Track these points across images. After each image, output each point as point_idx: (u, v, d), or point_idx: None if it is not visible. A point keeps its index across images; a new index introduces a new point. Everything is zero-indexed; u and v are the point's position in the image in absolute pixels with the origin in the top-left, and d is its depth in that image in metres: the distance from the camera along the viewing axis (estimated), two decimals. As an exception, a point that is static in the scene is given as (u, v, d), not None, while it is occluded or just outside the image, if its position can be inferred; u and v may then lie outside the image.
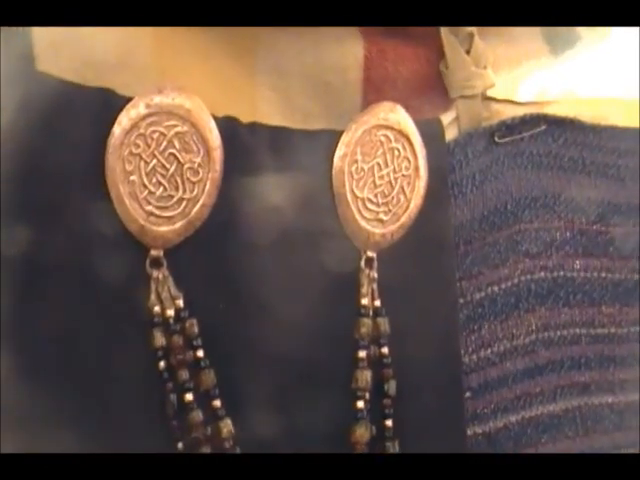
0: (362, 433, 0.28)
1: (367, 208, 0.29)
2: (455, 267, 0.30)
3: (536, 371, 0.32)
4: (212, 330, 0.26)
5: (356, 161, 0.28)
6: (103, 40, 0.27)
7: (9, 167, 0.25)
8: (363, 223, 0.29)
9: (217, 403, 0.26)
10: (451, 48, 0.31)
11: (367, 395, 0.28)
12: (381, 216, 0.29)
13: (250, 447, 0.26)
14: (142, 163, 0.26)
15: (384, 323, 0.28)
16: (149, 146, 0.26)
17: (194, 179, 0.27)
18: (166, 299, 0.26)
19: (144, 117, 0.26)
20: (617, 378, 0.33)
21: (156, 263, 0.26)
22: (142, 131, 0.26)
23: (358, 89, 0.30)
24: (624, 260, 0.34)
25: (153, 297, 0.26)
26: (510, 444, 0.30)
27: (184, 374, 0.26)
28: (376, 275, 0.29)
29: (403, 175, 0.29)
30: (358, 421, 0.28)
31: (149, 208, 0.26)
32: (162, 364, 0.26)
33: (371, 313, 0.28)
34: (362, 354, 0.28)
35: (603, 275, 0.33)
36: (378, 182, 0.29)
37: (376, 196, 0.29)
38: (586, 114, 0.33)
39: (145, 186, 0.26)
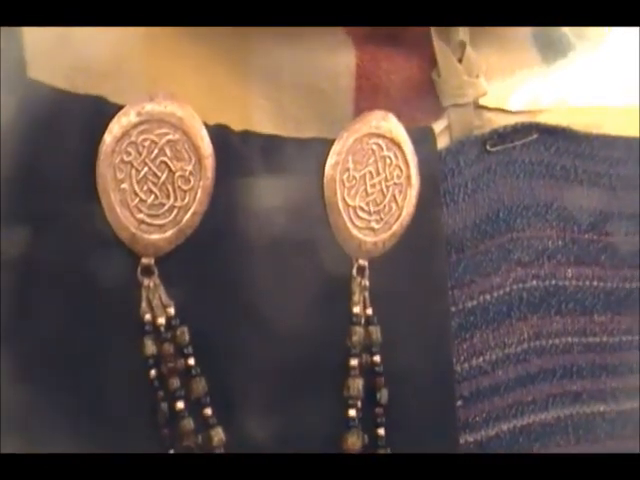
0: (354, 441, 0.28)
1: (359, 216, 0.29)
2: (447, 275, 0.30)
3: (528, 380, 0.32)
4: (204, 338, 0.27)
5: (348, 169, 0.29)
6: (95, 46, 0.27)
7: (1, 173, 0.25)
8: (355, 231, 0.29)
9: (208, 411, 0.26)
10: (443, 56, 0.31)
11: (359, 403, 0.28)
12: (373, 224, 0.29)
13: (241, 455, 0.27)
14: (133, 171, 0.26)
15: (376, 331, 0.29)
16: (140, 154, 0.26)
17: (185, 187, 0.27)
18: (157, 307, 0.26)
19: (135, 125, 0.26)
20: (609, 387, 0.34)
21: (147, 271, 0.26)
22: (133, 139, 0.26)
23: (350, 97, 0.30)
24: (616, 269, 0.34)
25: (144, 305, 0.26)
26: (502, 452, 0.31)
27: (175, 382, 0.26)
28: (368, 283, 0.29)
29: (395, 183, 0.30)
30: (350, 429, 0.28)
31: (140, 216, 0.26)
32: (153, 372, 0.26)
33: (363, 321, 0.29)
34: (354, 362, 0.28)
35: (595, 284, 0.34)
36: (370, 190, 0.29)
37: (368, 204, 0.29)
38: (578, 123, 0.34)
39: (136, 194, 0.26)
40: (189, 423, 0.26)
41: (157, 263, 0.26)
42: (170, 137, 0.26)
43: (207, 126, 0.27)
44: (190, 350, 0.26)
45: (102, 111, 0.26)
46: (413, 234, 0.30)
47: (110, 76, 0.27)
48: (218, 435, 0.27)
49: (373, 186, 0.29)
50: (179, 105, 0.26)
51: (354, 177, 0.29)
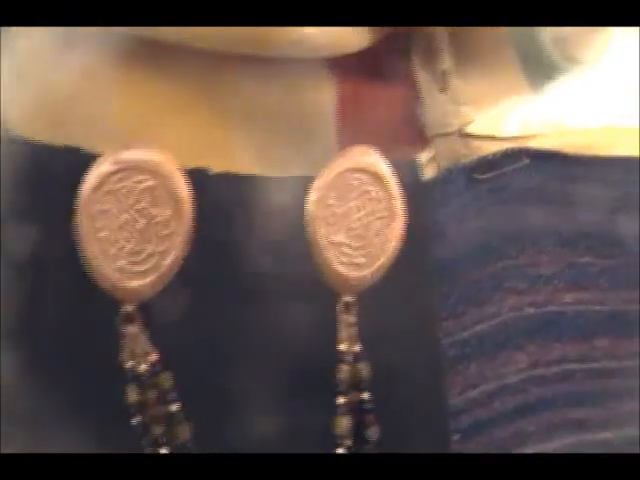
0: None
1: (343, 252, 0.29)
2: (437, 307, 0.30)
3: (528, 410, 0.32)
4: (188, 383, 0.27)
5: (329, 205, 0.29)
6: (72, 98, 0.28)
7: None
8: (339, 268, 0.29)
9: (193, 457, 0.27)
10: (426, 87, 0.31)
11: (348, 442, 0.28)
12: (358, 260, 0.29)
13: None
14: (112, 219, 0.27)
15: (364, 368, 0.29)
16: (119, 201, 0.27)
17: (165, 232, 0.27)
18: (139, 354, 0.27)
19: (112, 173, 0.26)
20: (614, 413, 0.33)
21: (129, 319, 0.27)
22: (111, 187, 0.27)
23: (334, 133, 0.30)
24: (616, 291, 0.34)
25: (127, 352, 0.27)
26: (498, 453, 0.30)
27: (158, 429, 0.26)
28: (354, 319, 0.29)
29: (379, 217, 0.30)
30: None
31: (120, 263, 0.27)
32: (137, 419, 0.26)
33: (351, 358, 0.29)
34: (341, 400, 0.28)
35: (595, 308, 0.33)
36: (353, 225, 0.29)
37: (352, 240, 0.29)
38: (571, 145, 0.34)
39: (115, 242, 0.27)
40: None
41: (139, 310, 0.27)
42: (148, 183, 0.27)
43: (184, 170, 0.28)
44: (173, 396, 0.27)
45: (79, 162, 0.27)
46: (400, 267, 0.30)
47: (88, 126, 0.28)
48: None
49: (356, 221, 0.29)
50: (155, 151, 0.27)
51: (336, 213, 0.29)
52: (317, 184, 0.29)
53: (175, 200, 0.27)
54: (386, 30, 0.31)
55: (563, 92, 0.34)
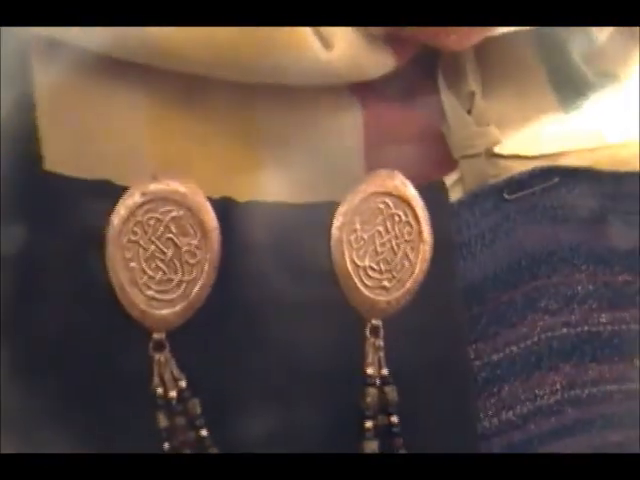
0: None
1: (369, 276, 0.30)
2: (465, 330, 0.31)
3: (564, 432, 0.32)
4: (216, 409, 0.28)
5: (355, 230, 0.30)
6: (105, 133, 0.30)
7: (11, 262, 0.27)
8: (366, 292, 0.30)
9: (222, 481, 0.28)
10: (451, 108, 0.32)
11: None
12: (385, 283, 0.30)
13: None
14: (141, 250, 0.28)
15: (392, 392, 0.29)
16: (146, 232, 0.28)
17: (192, 261, 0.28)
18: (169, 381, 0.28)
19: (141, 205, 0.28)
20: (654, 435, 0.33)
21: (159, 346, 0.28)
22: (139, 218, 0.28)
23: (360, 157, 0.31)
24: (655, 310, 0.34)
25: (156, 379, 0.28)
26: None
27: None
28: (382, 343, 0.30)
29: (406, 240, 0.30)
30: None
31: (150, 293, 0.28)
32: (167, 445, 0.27)
33: (378, 382, 0.29)
34: (369, 424, 0.29)
35: (632, 327, 0.33)
36: (379, 249, 0.30)
37: (378, 264, 0.30)
38: (603, 162, 0.34)
39: (145, 271, 0.28)
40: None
41: (168, 337, 0.28)
42: (175, 214, 0.28)
43: (211, 200, 0.29)
44: (202, 422, 0.28)
45: (109, 194, 0.28)
46: (428, 290, 0.30)
47: (118, 159, 0.29)
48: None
49: (383, 245, 0.30)
50: (181, 182, 0.28)
51: (362, 237, 0.30)
52: (342, 209, 0.30)
53: (202, 229, 0.28)
54: (411, 53, 0.31)
55: (594, 108, 0.34)
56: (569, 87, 0.34)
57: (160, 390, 0.28)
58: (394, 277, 0.30)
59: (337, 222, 0.30)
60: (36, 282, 0.28)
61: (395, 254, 0.30)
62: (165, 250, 0.28)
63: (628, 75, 0.36)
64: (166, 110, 0.29)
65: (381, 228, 0.30)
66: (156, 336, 0.28)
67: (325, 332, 0.29)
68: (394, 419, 0.29)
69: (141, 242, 0.28)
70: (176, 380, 0.28)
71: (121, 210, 0.28)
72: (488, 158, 0.32)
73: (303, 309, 0.29)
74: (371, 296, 0.30)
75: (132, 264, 0.28)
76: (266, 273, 0.29)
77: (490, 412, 0.31)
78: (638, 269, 0.34)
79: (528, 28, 0.31)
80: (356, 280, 0.30)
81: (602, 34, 0.35)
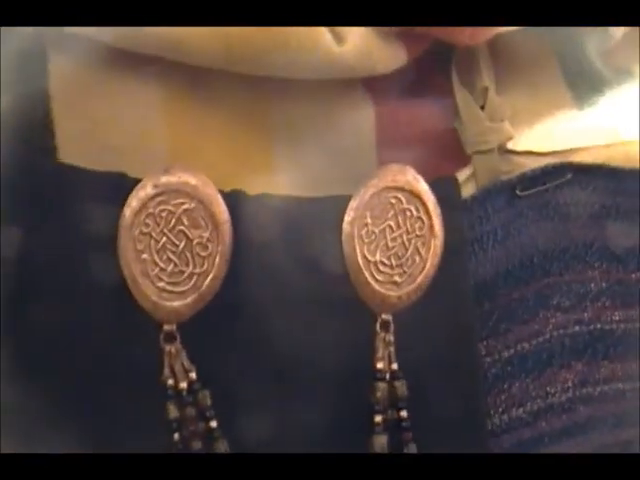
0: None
1: (380, 271, 0.30)
2: (476, 326, 0.31)
3: (575, 430, 0.32)
4: (226, 401, 0.28)
5: (366, 225, 0.30)
6: (119, 125, 0.30)
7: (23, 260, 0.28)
8: (377, 286, 0.30)
9: (231, 473, 0.28)
10: (464, 104, 0.32)
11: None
12: (396, 278, 0.31)
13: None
14: (152, 241, 0.28)
15: (401, 386, 0.30)
16: (158, 225, 0.28)
17: (204, 254, 0.29)
18: (179, 372, 0.28)
19: (153, 197, 0.28)
20: (667, 434, 0.33)
21: (169, 338, 0.28)
22: (151, 211, 0.28)
23: (373, 153, 0.31)
24: (669, 308, 0.34)
25: (167, 371, 0.28)
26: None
27: (197, 445, 0.28)
28: (392, 338, 0.30)
29: (417, 235, 0.31)
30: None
31: (161, 284, 0.28)
32: (176, 435, 0.28)
33: (388, 377, 0.30)
34: (378, 419, 0.29)
35: None
36: (391, 244, 0.30)
37: (389, 259, 0.30)
38: (617, 158, 0.34)
39: (156, 263, 0.28)
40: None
41: (179, 329, 0.29)
42: (186, 206, 0.29)
43: (223, 193, 0.29)
44: (212, 413, 0.28)
45: (122, 186, 0.28)
46: (439, 286, 0.31)
47: (133, 152, 0.30)
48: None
49: (394, 240, 0.30)
50: (193, 174, 0.29)
51: (373, 232, 0.30)
52: (354, 203, 0.30)
53: (214, 222, 0.29)
54: (424, 48, 0.32)
55: (609, 104, 0.34)
56: (583, 83, 0.34)
57: (171, 381, 0.28)
58: (405, 272, 0.30)
59: (348, 217, 0.30)
60: (47, 272, 0.29)
61: (406, 249, 0.30)
62: (177, 242, 0.29)
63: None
64: (180, 103, 0.30)
65: (392, 223, 0.30)
66: (167, 328, 0.28)
67: (335, 326, 0.29)
68: (403, 414, 0.29)
69: (153, 234, 0.28)
70: (187, 371, 0.28)
71: (133, 202, 0.28)
72: (501, 154, 0.32)
73: (314, 303, 0.29)
74: (382, 291, 0.30)
75: (144, 256, 0.28)
76: (277, 266, 0.29)
77: (500, 409, 0.31)
78: (652, 267, 0.34)
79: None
80: (367, 275, 0.30)
81: (618, 30, 0.35)
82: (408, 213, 0.31)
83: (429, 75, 0.32)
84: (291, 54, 0.29)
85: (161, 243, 0.28)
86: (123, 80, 0.30)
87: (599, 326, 0.33)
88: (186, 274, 0.29)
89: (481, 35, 0.31)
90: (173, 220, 0.28)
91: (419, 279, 0.31)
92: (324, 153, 0.31)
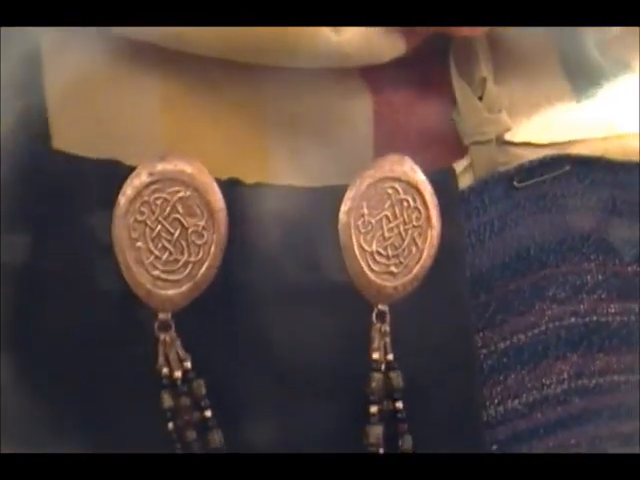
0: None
1: (376, 261, 0.30)
2: (472, 317, 0.31)
3: (571, 422, 0.32)
4: (220, 390, 0.28)
5: (362, 215, 0.30)
6: (114, 112, 0.30)
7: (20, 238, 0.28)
8: (373, 277, 0.30)
9: (225, 463, 0.28)
10: (462, 95, 0.32)
11: (380, 450, 0.29)
12: (392, 269, 0.30)
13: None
14: (147, 229, 0.28)
15: (397, 377, 0.30)
16: (153, 212, 0.28)
17: (199, 242, 0.29)
18: (174, 361, 0.28)
19: (148, 185, 0.28)
20: (662, 427, 0.34)
21: (164, 326, 0.28)
22: (146, 198, 0.28)
23: (370, 143, 0.31)
24: (665, 301, 0.34)
25: (161, 359, 0.28)
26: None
27: (191, 434, 0.28)
28: (388, 329, 0.30)
29: (414, 226, 0.31)
30: (371, 478, 0.29)
31: (156, 273, 0.28)
32: (171, 425, 0.28)
33: (383, 367, 0.30)
34: (373, 409, 0.29)
35: None
36: (387, 235, 0.30)
37: (386, 249, 0.30)
38: (615, 151, 0.34)
39: (151, 251, 0.28)
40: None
41: (173, 318, 0.29)
42: (182, 194, 0.28)
43: (219, 181, 0.29)
44: (206, 403, 0.28)
45: (117, 174, 0.28)
46: (435, 276, 0.31)
47: (128, 139, 0.30)
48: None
49: (390, 230, 0.30)
50: (189, 162, 0.28)
51: (370, 222, 0.30)
52: (350, 193, 0.30)
53: (209, 210, 0.29)
54: (422, 38, 0.32)
55: (607, 96, 0.34)
56: (582, 75, 0.34)
57: (165, 370, 0.28)
58: (401, 262, 0.30)
59: (345, 206, 0.30)
60: (43, 261, 0.29)
61: (403, 239, 0.30)
62: (172, 230, 0.29)
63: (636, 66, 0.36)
64: (176, 91, 0.30)
65: (389, 213, 0.30)
66: (162, 316, 0.28)
67: (331, 316, 0.29)
68: (399, 405, 0.29)
69: (148, 222, 0.28)
70: (181, 360, 0.28)
71: (128, 190, 0.28)
72: (499, 145, 0.32)
73: (309, 293, 0.29)
74: (378, 281, 0.30)
75: (138, 244, 0.28)
76: (273, 256, 0.29)
77: (496, 400, 0.31)
78: (648, 260, 0.34)
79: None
80: (363, 265, 0.30)
81: (616, 22, 0.35)
82: (405, 203, 0.31)
83: (427, 65, 0.32)
84: (289, 43, 0.29)
85: (156, 231, 0.28)
86: (119, 68, 0.30)
87: (595, 318, 0.33)
88: (181, 262, 0.29)
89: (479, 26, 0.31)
90: (168, 208, 0.28)
91: (415, 270, 0.31)
92: (321, 143, 0.31)
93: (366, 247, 0.30)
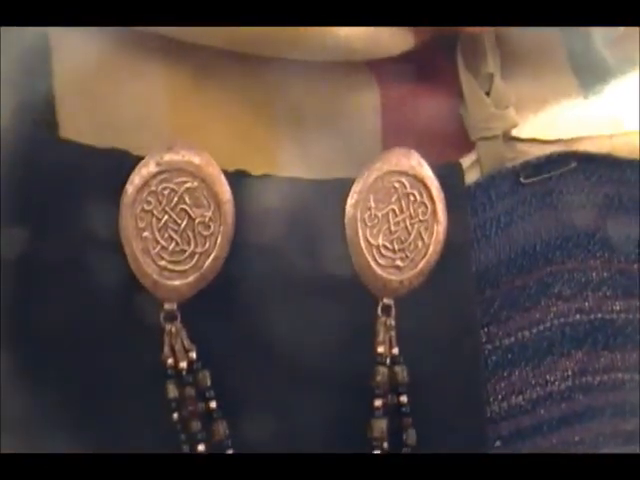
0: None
1: (382, 255, 0.30)
2: (477, 313, 0.31)
3: (574, 419, 0.32)
4: (225, 381, 0.29)
5: (369, 208, 0.30)
6: (121, 101, 0.30)
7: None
8: (379, 270, 0.30)
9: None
10: (470, 89, 0.32)
11: (384, 444, 0.29)
12: (398, 263, 0.31)
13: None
14: (154, 219, 0.28)
15: (402, 371, 0.30)
16: (160, 202, 0.28)
17: (206, 233, 0.29)
18: (179, 351, 0.28)
19: (155, 175, 0.28)
20: (665, 426, 0.34)
21: (170, 316, 0.29)
22: (153, 188, 0.28)
23: (377, 137, 0.31)
24: (669, 300, 0.34)
25: (167, 350, 0.28)
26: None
27: (196, 425, 0.28)
28: (393, 323, 0.30)
29: (420, 220, 0.31)
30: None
31: (162, 263, 0.28)
32: (175, 415, 0.28)
33: (388, 361, 0.30)
34: (378, 403, 0.29)
35: None
36: (393, 229, 0.31)
37: (392, 243, 0.31)
38: (622, 149, 0.34)
39: (158, 242, 0.28)
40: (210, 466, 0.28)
41: (179, 308, 0.29)
42: (189, 185, 0.29)
43: (226, 172, 0.29)
44: (211, 394, 0.28)
45: (124, 164, 0.28)
46: (441, 271, 0.31)
47: (135, 129, 0.30)
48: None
49: (397, 224, 0.31)
50: (197, 153, 0.29)
51: (376, 216, 0.30)
52: (357, 187, 0.30)
53: (216, 202, 0.29)
54: (430, 32, 0.32)
55: (613, 94, 0.35)
56: (589, 71, 0.34)
57: (170, 361, 0.28)
58: (407, 257, 0.31)
59: (351, 200, 0.30)
60: (45, 250, 0.29)
61: (409, 234, 0.31)
62: (178, 221, 0.29)
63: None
64: (185, 82, 0.30)
65: (395, 207, 0.31)
66: (167, 306, 0.28)
67: (336, 309, 0.30)
68: (403, 399, 0.29)
69: (155, 212, 0.28)
70: (187, 351, 0.28)
71: (135, 179, 0.28)
72: (505, 141, 0.32)
73: (315, 285, 0.29)
74: (384, 275, 0.30)
75: (145, 234, 0.28)
76: (279, 248, 0.29)
77: (500, 396, 0.31)
78: (654, 258, 0.34)
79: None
80: (369, 258, 0.30)
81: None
82: (412, 198, 0.31)
83: (435, 60, 0.33)
84: (297, 35, 0.29)
85: (163, 221, 0.29)
86: (126, 57, 0.30)
87: (600, 315, 0.33)
88: (187, 253, 0.29)
89: None
90: (175, 198, 0.29)
91: (421, 264, 0.31)
92: (328, 135, 0.31)
93: (372, 241, 0.30)
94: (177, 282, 0.29)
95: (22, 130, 0.30)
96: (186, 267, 0.29)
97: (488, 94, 0.32)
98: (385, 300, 0.30)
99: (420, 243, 0.31)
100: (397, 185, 0.30)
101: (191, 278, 0.29)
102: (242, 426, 0.28)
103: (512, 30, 0.33)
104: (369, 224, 0.30)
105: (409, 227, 0.31)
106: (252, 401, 0.29)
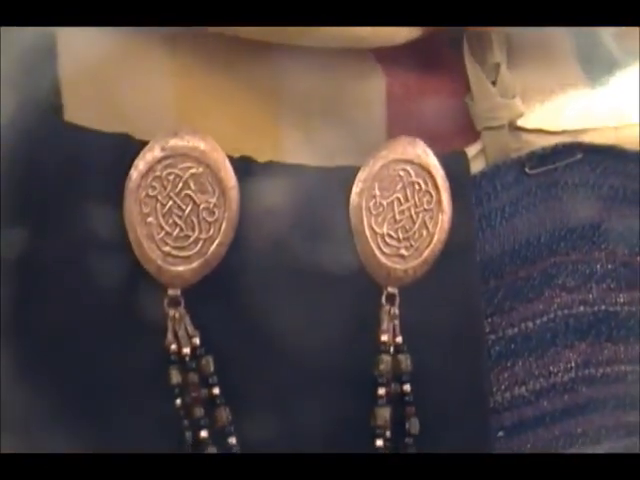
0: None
1: (387, 244, 0.31)
2: (481, 303, 0.31)
3: (577, 410, 0.33)
4: (229, 367, 0.29)
5: (374, 196, 0.30)
6: (126, 86, 0.30)
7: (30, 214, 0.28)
8: (383, 259, 0.30)
9: (232, 440, 0.28)
10: (476, 79, 0.32)
11: (387, 433, 0.29)
12: (402, 251, 0.31)
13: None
14: (158, 205, 0.28)
15: (405, 360, 0.30)
16: (165, 188, 0.28)
17: (210, 219, 0.29)
18: (183, 337, 0.28)
19: (160, 160, 0.28)
20: (668, 418, 0.34)
21: (174, 302, 0.29)
22: (158, 174, 0.28)
23: (382, 125, 0.32)
24: (673, 292, 0.34)
25: (170, 335, 0.29)
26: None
27: (199, 411, 0.28)
28: (397, 312, 0.30)
29: (425, 209, 0.31)
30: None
31: (166, 249, 0.29)
32: (178, 401, 0.28)
33: (392, 350, 0.30)
34: (381, 391, 0.29)
35: None
36: (398, 217, 0.31)
37: (396, 231, 0.31)
38: (628, 141, 0.34)
39: (162, 227, 0.29)
40: (212, 452, 0.28)
41: (183, 294, 0.29)
42: (194, 170, 0.29)
43: (231, 158, 0.29)
44: (215, 380, 0.28)
45: (129, 148, 0.28)
46: (445, 261, 0.31)
47: (140, 114, 0.30)
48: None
49: (402, 213, 0.31)
50: (202, 139, 0.29)
51: (381, 204, 0.30)
52: (362, 175, 0.30)
53: (221, 188, 0.29)
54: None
55: (619, 85, 0.35)
56: (596, 63, 0.34)
57: (174, 346, 0.28)
58: (412, 245, 0.31)
59: (357, 188, 0.30)
60: (52, 231, 0.29)
61: (414, 222, 0.31)
62: (183, 206, 0.29)
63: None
64: (190, 67, 0.30)
65: (400, 195, 0.31)
66: (171, 292, 0.28)
67: (340, 297, 0.30)
68: (407, 387, 0.30)
69: (159, 197, 0.28)
70: (190, 337, 0.29)
71: (140, 164, 0.28)
72: (511, 131, 0.32)
73: (319, 273, 0.29)
74: (388, 263, 0.30)
75: (149, 219, 0.28)
76: (283, 235, 0.29)
77: (503, 386, 0.31)
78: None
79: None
80: (374, 247, 0.30)
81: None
82: (417, 186, 0.31)
83: (441, 49, 0.33)
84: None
85: (167, 207, 0.29)
86: (132, 43, 0.30)
87: (603, 307, 0.33)
88: (192, 239, 0.29)
89: None
90: (180, 184, 0.29)
91: (426, 253, 0.31)
92: (333, 123, 0.31)
93: (377, 229, 0.30)
94: (181, 268, 0.29)
95: (28, 116, 0.30)
96: (190, 253, 0.29)
97: (494, 84, 0.32)
98: (389, 289, 0.30)
99: (425, 232, 0.31)
100: (402, 173, 0.31)
101: (195, 264, 0.29)
102: (245, 413, 0.28)
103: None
104: (374, 212, 0.30)
105: (414, 216, 0.31)
106: (254, 387, 0.29)
